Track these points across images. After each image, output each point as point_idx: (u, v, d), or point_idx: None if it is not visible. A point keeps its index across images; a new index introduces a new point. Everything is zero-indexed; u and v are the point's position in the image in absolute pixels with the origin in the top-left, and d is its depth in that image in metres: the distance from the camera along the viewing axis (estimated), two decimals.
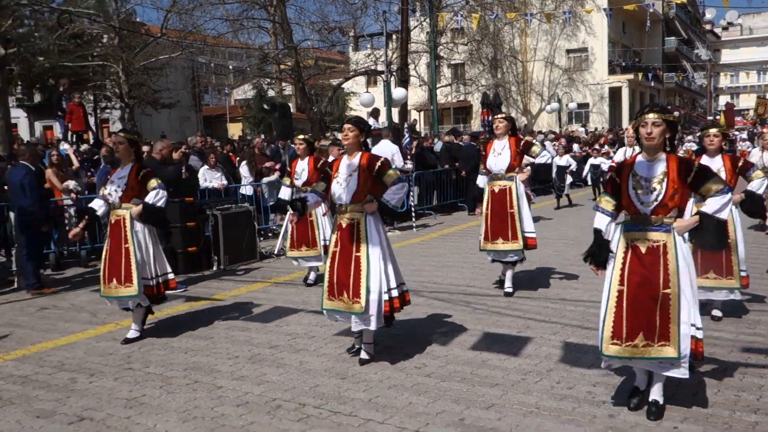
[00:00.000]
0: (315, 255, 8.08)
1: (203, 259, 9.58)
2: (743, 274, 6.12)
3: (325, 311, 5.33)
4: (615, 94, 43.96)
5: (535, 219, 8.73)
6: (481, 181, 7.53)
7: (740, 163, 6.17)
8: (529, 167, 7.62)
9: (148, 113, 36.06)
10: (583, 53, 43.53)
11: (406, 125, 19.92)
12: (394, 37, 28.05)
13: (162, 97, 35.17)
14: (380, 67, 26.08)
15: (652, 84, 47.68)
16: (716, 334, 5.67)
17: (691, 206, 4.76)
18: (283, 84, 35.62)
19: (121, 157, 6.29)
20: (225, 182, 11.99)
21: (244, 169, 13.07)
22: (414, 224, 13.27)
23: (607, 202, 4.24)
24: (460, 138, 17.50)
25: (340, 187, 5.20)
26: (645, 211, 4.03)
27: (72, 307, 7.72)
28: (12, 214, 8.92)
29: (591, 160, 17.65)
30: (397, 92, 20.69)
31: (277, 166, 12.86)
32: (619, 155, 11.31)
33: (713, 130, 6.21)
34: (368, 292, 5.03)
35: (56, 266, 10.02)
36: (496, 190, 7.24)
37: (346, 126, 5.28)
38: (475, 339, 5.84)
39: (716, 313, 6.19)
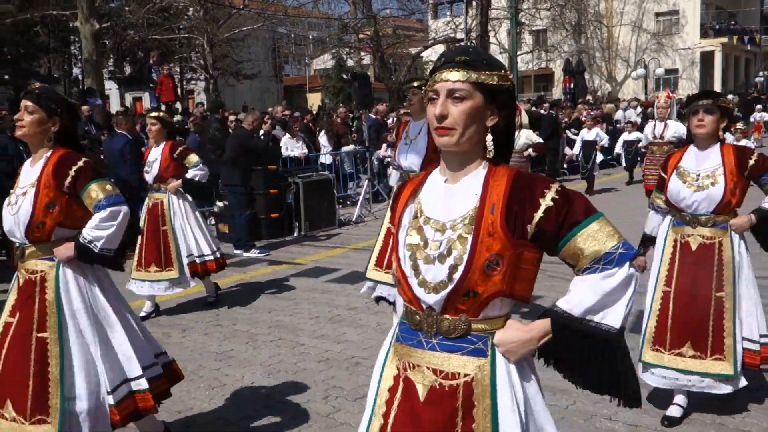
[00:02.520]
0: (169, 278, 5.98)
1: (285, 225, 9.92)
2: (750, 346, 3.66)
3: None
4: (707, 58, 41.95)
5: None
6: (393, 178, 5.57)
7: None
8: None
9: (231, 84, 37.09)
10: (674, 16, 41.64)
11: None
12: (474, 3, 27.63)
13: (244, 68, 36.06)
14: (459, 35, 25.82)
15: (749, 48, 45.20)
16: None
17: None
18: (362, 53, 35.76)
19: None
20: (305, 151, 12.29)
21: (323, 138, 13.36)
22: None
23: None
24: (541, 107, 17.28)
25: None
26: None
27: None
28: None
29: (624, 136, 14.33)
30: None
31: (354, 137, 13.14)
32: (647, 130, 8.41)
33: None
34: (63, 400, 2.88)
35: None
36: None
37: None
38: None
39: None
